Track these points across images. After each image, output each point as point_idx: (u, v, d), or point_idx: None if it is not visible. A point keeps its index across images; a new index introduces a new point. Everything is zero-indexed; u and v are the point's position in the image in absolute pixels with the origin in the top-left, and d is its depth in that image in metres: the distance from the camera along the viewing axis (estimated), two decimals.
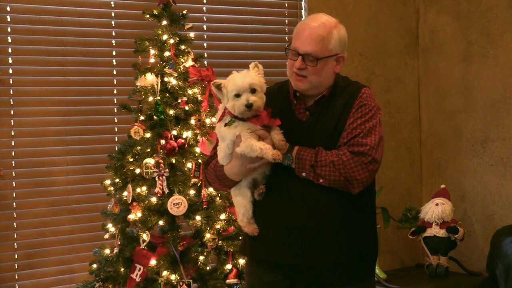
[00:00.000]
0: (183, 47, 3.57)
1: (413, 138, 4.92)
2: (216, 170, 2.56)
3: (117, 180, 3.50)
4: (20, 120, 3.81)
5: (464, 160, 4.60)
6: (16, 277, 3.78)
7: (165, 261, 3.33)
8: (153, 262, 3.36)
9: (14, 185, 3.79)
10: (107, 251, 3.50)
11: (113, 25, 4.03)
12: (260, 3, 4.50)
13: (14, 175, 3.79)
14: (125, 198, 3.48)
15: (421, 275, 4.32)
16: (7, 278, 3.75)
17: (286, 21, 4.57)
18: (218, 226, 3.46)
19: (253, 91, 2.40)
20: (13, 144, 3.79)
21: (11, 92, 3.79)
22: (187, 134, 3.47)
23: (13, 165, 3.79)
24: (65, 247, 3.89)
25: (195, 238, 3.50)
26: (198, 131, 3.49)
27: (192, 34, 3.64)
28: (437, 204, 4.23)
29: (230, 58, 4.32)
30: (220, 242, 3.48)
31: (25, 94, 3.82)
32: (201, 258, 3.40)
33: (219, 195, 3.51)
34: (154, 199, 3.44)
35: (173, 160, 3.46)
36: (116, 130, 4.04)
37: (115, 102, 3.99)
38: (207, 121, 3.56)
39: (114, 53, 4.03)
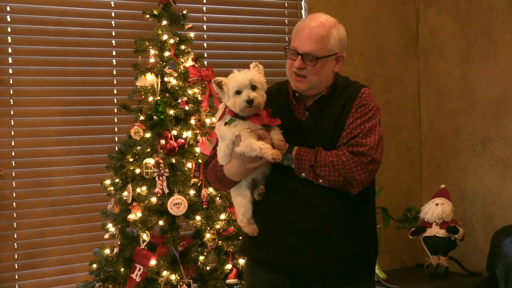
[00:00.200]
0: (183, 47, 3.57)
1: (413, 138, 4.92)
2: (215, 170, 2.56)
3: (117, 180, 3.50)
4: (20, 120, 3.81)
5: (464, 160, 4.60)
6: (16, 277, 3.78)
7: (165, 261, 3.33)
8: (153, 262, 3.36)
9: (14, 185, 3.79)
10: (107, 251, 3.51)
11: (113, 25, 4.03)
12: (260, 3, 4.50)
13: (14, 175, 3.79)
14: (125, 198, 3.48)
15: (421, 275, 4.32)
16: (7, 278, 3.75)
17: (286, 21, 4.57)
18: (218, 226, 3.46)
19: (253, 88, 2.41)
20: (13, 144, 3.79)
21: (11, 92, 3.79)
22: (187, 134, 3.47)
23: (13, 165, 3.79)
24: (65, 247, 3.89)
25: (195, 238, 3.50)
26: (198, 131, 3.49)
27: (192, 34, 3.64)
28: (437, 204, 4.22)
29: (230, 58, 4.32)
30: (220, 242, 3.48)
31: (25, 94, 3.82)
32: (201, 258, 3.40)
33: (219, 195, 3.51)
34: (154, 199, 3.44)
35: (173, 160, 3.46)
36: (116, 130, 4.04)
37: (115, 102, 3.99)
38: (207, 121, 3.56)
39: (114, 53, 4.03)
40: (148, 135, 3.46)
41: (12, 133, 3.79)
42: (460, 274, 4.29)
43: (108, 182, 3.54)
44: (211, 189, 3.45)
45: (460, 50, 4.59)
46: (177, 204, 3.38)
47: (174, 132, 3.46)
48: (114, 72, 4.04)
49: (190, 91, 3.52)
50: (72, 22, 3.91)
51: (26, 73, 3.83)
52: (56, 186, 3.88)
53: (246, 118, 2.43)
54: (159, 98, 3.46)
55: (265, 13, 4.51)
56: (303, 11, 4.57)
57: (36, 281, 3.82)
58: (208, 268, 3.46)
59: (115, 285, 3.49)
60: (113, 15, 4.02)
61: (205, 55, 4.19)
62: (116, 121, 4.04)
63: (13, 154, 3.79)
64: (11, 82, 3.79)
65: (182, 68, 3.52)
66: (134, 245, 3.47)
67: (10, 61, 3.79)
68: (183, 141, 3.47)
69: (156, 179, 3.42)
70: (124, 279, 3.47)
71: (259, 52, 4.43)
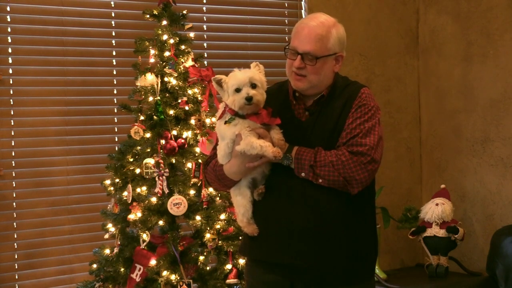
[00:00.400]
0: (183, 47, 3.57)
1: (413, 138, 4.92)
2: (215, 170, 2.56)
3: (117, 180, 3.50)
4: (20, 120, 3.81)
5: (464, 160, 4.60)
6: (16, 277, 3.78)
7: (165, 261, 3.33)
8: (153, 262, 3.36)
9: (14, 185, 3.79)
10: (107, 251, 3.50)
11: (113, 25, 4.03)
12: (260, 3, 4.50)
13: (14, 175, 3.79)
14: (125, 198, 3.48)
15: (421, 275, 4.32)
16: (7, 278, 3.75)
17: (286, 21, 4.57)
18: (218, 226, 3.46)
19: (253, 86, 2.41)
20: (13, 144, 3.79)
21: (11, 92, 3.79)
22: (187, 134, 3.47)
23: (13, 165, 3.79)
24: (65, 247, 3.89)
25: (195, 238, 3.50)
26: (198, 131, 3.49)
27: (192, 34, 3.64)
28: (437, 204, 4.22)
29: (230, 58, 4.32)
30: (220, 242, 3.48)
31: (25, 94, 3.82)
32: (201, 258, 3.40)
33: (219, 195, 3.51)
34: (154, 199, 3.44)
35: (173, 160, 3.46)
36: (116, 130, 4.04)
37: (115, 102, 3.99)
38: (207, 121, 3.56)
39: (114, 53, 4.03)
40: (148, 135, 3.46)
41: (12, 133, 3.79)
42: (460, 274, 4.28)
43: (108, 182, 3.54)
44: (211, 189, 3.45)
45: (460, 50, 4.59)
46: (177, 204, 3.38)
47: (174, 132, 3.46)
48: (114, 72, 4.04)
49: (190, 91, 3.52)
50: (72, 22, 3.91)
51: (26, 73, 3.83)
52: (56, 186, 3.88)
53: (246, 117, 2.43)
54: (159, 98, 3.46)
55: (265, 13, 4.51)
56: (303, 11, 4.57)
57: (36, 281, 3.82)
58: (208, 268, 3.46)
59: (115, 285, 3.49)
60: (113, 15, 4.02)
61: (205, 55, 4.19)
62: (116, 121, 4.04)
63: (13, 154, 3.79)
64: (11, 82, 3.79)
65: (182, 68, 3.52)
66: (134, 245, 3.47)
67: (10, 61, 3.79)
68: (183, 141, 3.46)
69: (156, 179, 3.42)
70: (124, 279, 3.47)
71: (259, 52, 4.43)
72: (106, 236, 3.57)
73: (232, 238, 3.48)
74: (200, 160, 3.46)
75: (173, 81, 3.49)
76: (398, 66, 4.85)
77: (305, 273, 2.47)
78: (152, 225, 3.42)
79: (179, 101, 3.51)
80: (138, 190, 3.44)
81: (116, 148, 3.71)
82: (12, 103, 3.79)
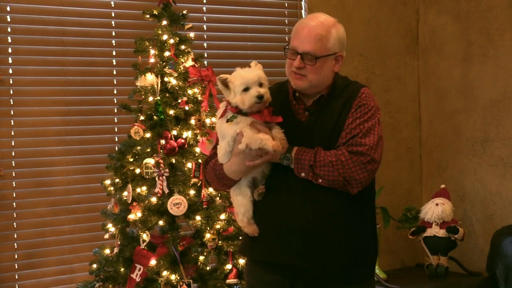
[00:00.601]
0: (183, 47, 3.57)
1: (413, 138, 4.92)
2: (215, 169, 2.56)
3: (117, 180, 3.50)
4: (20, 120, 3.81)
5: (464, 160, 4.60)
6: (16, 277, 3.78)
7: (165, 261, 3.33)
8: (153, 262, 3.36)
9: (14, 185, 3.79)
10: (107, 251, 3.50)
11: (113, 25, 4.03)
12: (260, 3, 4.50)
13: (14, 175, 3.79)
14: (125, 198, 3.48)
15: (421, 275, 4.32)
16: (7, 278, 3.75)
17: (286, 21, 4.57)
18: (218, 226, 3.46)
19: (260, 85, 2.42)
20: (13, 144, 3.79)
21: (11, 92, 3.79)
22: (187, 134, 3.47)
23: (13, 165, 3.79)
24: (65, 247, 3.89)
25: (195, 238, 3.50)
26: (198, 131, 3.49)
27: (192, 34, 3.64)
28: (437, 204, 4.22)
29: (230, 58, 4.32)
30: (220, 242, 3.48)
31: (25, 94, 3.82)
32: (201, 258, 3.40)
33: (219, 195, 3.51)
34: (154, 199, 3.44)
35: (173, 160, 3.46)
36: (116, 130, 4.04)
37: (115, 102, 3.99)
38: (207, 121, 3.56)
39: (114, 53, 4.03)
40: (148, 135, 3.46)
41: (12, 133, 3.79)
42: (460, 274, 4.29)
43: (108, 182, 3.54)
44: (211, 189, 3.45)
45: (460, 50, 4.59)
46: (177, 204, 3.38)
47: (174, 132, 3.46)
48: (114, 72, 4.04)
49: (190, 91, 3.52)
50: (72, 22, 3.91)
51: (26, 73, 3.83)
52: (56, 186, 3.88)
53: (248, 115, 2.44)
54: (159, 98, 3.46)
55: (265, 13, 4.51)
56: (303, 11, 4.57)
57: (36, 281, 3.82)
58: (208, 268, 3.46)
59: (115, 285, 3.49)
60: (113, 15, 4.02)
61: (205, 55, 4.19)
62: (116, 121, 4.04)
63: (13, 154, 3.79)
64: (11, 82, 3.79)
65: (182, 68, 3.52)
66: (134, 245, 3.47)
67: (10, 61, 3.79)
68: (183, 141, 3.46)
69: (156, 179, 3.42)
70: (124, 279, 3.47)
71: (259, 52, 4.43)
72: (106, 236, 3.57)
73: (232, 238, 3.48)
74: (200, 160, 3.46)
75: (173, 81, 3.49)
76: (398, 66, 4.85)
77: (305, 273, 2.47)
78: (152, 225, 3.42)
79: (179, 101, 3.51)
80: (138, 190, 3.44)
81: (116, 148, 3.71)
82: (12, 103, 3.79)
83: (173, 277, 3.32)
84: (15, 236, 3.79)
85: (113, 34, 4.03)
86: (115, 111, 3.92)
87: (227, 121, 2.46)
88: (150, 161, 3.43)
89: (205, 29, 4.28)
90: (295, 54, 2.47)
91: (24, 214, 3.80)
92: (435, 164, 4.81)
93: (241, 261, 3.43)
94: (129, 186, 3.44)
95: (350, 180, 2.38)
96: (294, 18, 4.53)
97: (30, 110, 3.83)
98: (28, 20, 3.81)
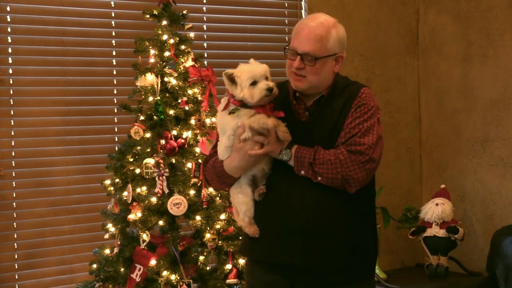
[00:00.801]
0: (183, 47, 3.57)
1: (413, 138, 4.92)
2: (215, 167, 2.56)
3: (117, 180, 3.50)
4: (20, 120, 3.81)
5: (464, 160, 4.60)
6: (16, 277, 3.78)
7: (165, 261, 3.33)
8: (153, 262, 3.36)
9: (14, 185, 3.79)
10: (107, 251, 3.50)
11: (113, 25, 4.03)
12: (260, 3, 4.50)
13: (14, 175, 3.79)
14: (125, 198, 3.48)
15: (421, 275, 4.32)
16: (7, 278, 3.75)
17: (286, 21, 4.57)
18: (218, 226, 3.46)
19: (266, 78, 2.46)
20: (13, 144, 3.79)
21: (11, 92, 3.79)
22: (187, 134, 3.47)
23: (13, 165, 3.79)
24: (65, 247, 3.89)
25: (195, 238, 3.50)
26: (198, 131, 3.49)
27: (192, 34, 3.64)
28: (437, 204, 4.22)
29: (230, 58, 4.32)
30: (220, 242, 3.48)
31: (25, 94, 3.82)
32: (201, 258, 3.40)
33: (219, 195, 3.51)
34: (154, 199, 3.44)
35: (173, 160, 3.46)
36: (116, 130, 4.04)
37: (115, 102, 3.99)
38: (207, 121, 3.56)
39: (114, 53, 4.03)
40: (148, 135, 3.46)
41: (12, 133, 3.79)
42: (460, 274, 4.29)
43: (108, 182, 3.54)
44: (211, 189, 3.45)
45: (460, 50, 4.59)
46: (177, 204, 3.38)
47: (174, 132, 3.46)
48: (114, 72, 4.04)
49: (190, 91, 3.52)
50: (72, 22, 3.91)
51: (26, 73, 3.83)
52: (56, 186, 3.88)
53: (252, 108, 2.45)
54: (159, 98, 3.46)
55: (265, 13, 4.51)
56: (303, 11, 4.57)
57: (36, 281, 3.82)
58: (208, 268, 3.46)
59: (115, 285, 3.49)
60: (113, 15, 4.02)
61: (205, 55, 4.19)
62: (116, 121, 4.04)
63: (13, 154, 3.79)
64: (11, 82, 3.79)
65: (182, 68, 3.52)
66: (134, 245, 3.47)
67: (10, 61, 3.79)
68: (183, 141, 3.47)
69: (156, 179, 3.42)
70: (124, 279, 3.47)
71: (259, 52, 4.42)
72: (106, 236, 3.57)
73: (232, 238, 3.48)
74: (200, 160, 3.46)
75: (173, 81, 3.49)
76: (398, 66, 4.85)
77: (305, 273, 2.47)
78: (152, 225, 3.42)
79: (179, 101, 3.51)
80: (138, 190, 3.44)
81: (116, 148, 3.71)
82: (12, 103, 3.79)
83: (173, 277, 3.32)
84: (15, 236, 3.79)
85: (113, 34, 4.03)
86: (115, 111, 3.91)
87: (230, 113, 2.47)
88: (150, 161, 3.43)
89: (205, 29, 4.28)
90: (295, 55, 2.47)
91: (24, 214, 3.80)
92: (435, 164, 4.81)
93: (241, 261, 3.43)
94: (129, 186, 3.44)
95: (348, 179, 2.38)
96: (294, 18, 4.53)
97: (30, 110, 3.83)
98: (28, 20, 3.81)
